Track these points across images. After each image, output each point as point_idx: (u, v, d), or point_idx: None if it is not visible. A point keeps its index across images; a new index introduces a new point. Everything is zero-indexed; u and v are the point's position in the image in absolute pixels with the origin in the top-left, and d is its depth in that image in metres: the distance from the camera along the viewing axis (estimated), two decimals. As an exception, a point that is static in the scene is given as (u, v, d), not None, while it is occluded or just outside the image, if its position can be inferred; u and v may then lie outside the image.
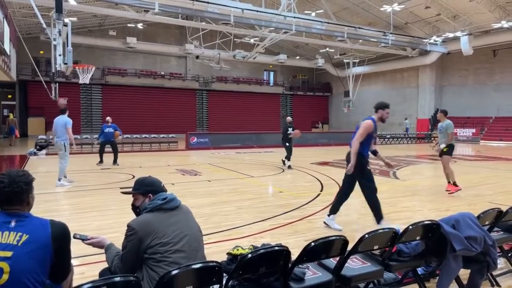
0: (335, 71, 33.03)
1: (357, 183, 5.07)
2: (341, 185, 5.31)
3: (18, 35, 17.88)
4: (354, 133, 5.09)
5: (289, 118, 12.31)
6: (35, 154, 15.26)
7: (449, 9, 23.30)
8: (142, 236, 2.09)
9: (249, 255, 2.11)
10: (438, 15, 23.76)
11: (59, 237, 1.88)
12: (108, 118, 12.92)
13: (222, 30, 23.79)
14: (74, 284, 2.21)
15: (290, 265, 2.32)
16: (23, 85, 27.51)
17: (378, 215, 4.99)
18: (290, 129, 11.68)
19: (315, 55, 33.34)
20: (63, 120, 8.50)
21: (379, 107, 5.08)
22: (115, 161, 12.10)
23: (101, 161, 12.16)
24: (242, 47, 27.92)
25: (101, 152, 12.36)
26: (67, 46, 11.12)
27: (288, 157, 11.67)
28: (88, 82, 17.68)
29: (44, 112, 27.15)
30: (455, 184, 7.40)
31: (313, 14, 24.01)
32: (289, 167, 11.46)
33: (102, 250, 2.38)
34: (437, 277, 2.91)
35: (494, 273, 3.26)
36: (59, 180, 8.39)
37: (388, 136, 26.52)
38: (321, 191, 7.87)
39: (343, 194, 5.11)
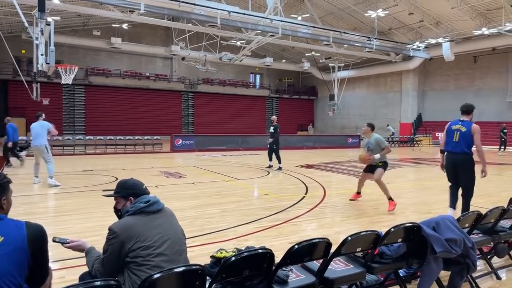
0: (320, 74, 33.34)
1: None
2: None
3: (-2, 33, 17.47)
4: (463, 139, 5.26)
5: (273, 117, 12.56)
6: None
7: (432, 16, 23.83)
8: (124, 240, 2.05)
9: (233, 258, 2.10)
10: (421, 22, 24.27)
11: (36, 239, 1.83)
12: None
13: (209, 32, 23.74)
14: (53, 288, 2.16)
15: (273, 267, 2.32)
16: (4, 85, 26.86)
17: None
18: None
19: (301, 58, 33.60)
20: (41, 124, 8.65)
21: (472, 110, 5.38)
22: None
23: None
24: (228, 49, 27.92)
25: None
26: (50, 46, 10.92)
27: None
28: (70, 83, 17.37)
29: (25, 113, 26.55)
30: (391, 199, 6.40)
31: (299, 18, 24.21)
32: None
33: (83, 254, 2.33)
34: (418, 279, 2.95)
35: (474, 274, 3.33)
36: (51, 178, 8.44)
37: (372, 140, 26.82)
38: (306, 193, 7.91)
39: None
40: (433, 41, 25.71)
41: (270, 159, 12.05)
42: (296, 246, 2.34)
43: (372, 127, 6.81)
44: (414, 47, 26.68)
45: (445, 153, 5.66)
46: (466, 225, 3.33)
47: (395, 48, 26.62)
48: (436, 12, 23.24)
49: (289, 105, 39.10)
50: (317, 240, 2.44)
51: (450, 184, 5.65)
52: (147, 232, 2.10)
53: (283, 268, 2.43)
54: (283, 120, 38.90)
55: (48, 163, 8.57)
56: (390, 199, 6.38)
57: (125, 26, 26.92)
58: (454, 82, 29.43)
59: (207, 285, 2.06)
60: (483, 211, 3.46)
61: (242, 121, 35.01)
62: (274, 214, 6.00)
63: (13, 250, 1.74)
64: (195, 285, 1.98)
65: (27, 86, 17.66)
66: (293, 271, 2.56)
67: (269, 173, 11.24)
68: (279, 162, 11.81)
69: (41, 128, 8.64)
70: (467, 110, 5.43)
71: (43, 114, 8.96)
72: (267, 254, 2.24)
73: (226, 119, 34.04)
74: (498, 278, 3.57)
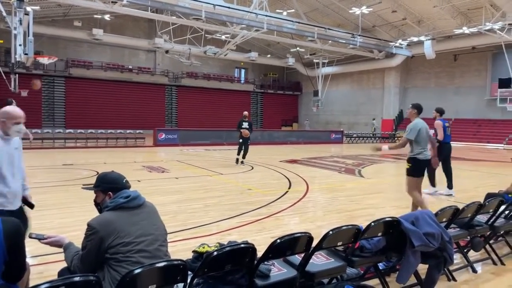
0: (305, 70, 33.47)
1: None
2: None
3: (-26, 22, 16.86)
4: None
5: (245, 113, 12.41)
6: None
7: (414, 14, 24.19)
8: (103, 236, 2.01)
9: (215, 253, 2.10)
10: (404, 19, 24.60)
11: (12, 234, 1.79)
12: None
13: (193, 26, 23.47)
14: (31, 283, 2.12)
15: (255, 262, 2.33)
16: (-21, 75, 25.98)
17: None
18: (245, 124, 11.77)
19: (286, 54, 33.62)
20: None
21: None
22: None
23: None
24: (213, 43, 27.69)
25: None
26: (28, 36, 10.62)
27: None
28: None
29: (2, 105, 25.74)
30: None
31: (285, 13, 24.21)
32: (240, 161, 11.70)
33: (61, 249, 2.29)
34: (397, 272, 3.02)
35: (451, 268, 3.42)
36: None
37: (354, 135, 27.21)
38: (289, 188, 7.97)
39: None
40: (415, 39, 26.11)
41: (239, 153, 11.75)
42: (278, 241, 2.36)
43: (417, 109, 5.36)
44: (397, 44, 27.06)
45: (445, 144, 7.30)
46: (444, 220, 3.42)
47: (378, 45, 26.93)
48: (418, 10, 23.60)
49: (274, 100, 39.13)
50: (299, 234, 2.46)
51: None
52: (127, 228, 2.07)
53: (265, 262, 2.44)
54: (267, 115, 39.04)
55: None
56: None
57: (107, 17, 26.33)
58: (435, 79, 30.01)
59: (188, 280, 2.06)
60: (460, 206, 3.55)
61: (226, 116, 34.81)
62: (257, 208, 6.02)
63: (-12, 245, 1.70)
64: (176, 280, 1.97)
65: (4, 77, 17.14)
66: (275, 265, 2.58)
67: (252, 168, 11.26)
68: (244, 157, 11.76)
69: None
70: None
71: (14, 101, 8.72)
72: (249, 249, 2.25)
73: (210, 113, 33.82)
74: (474, 271, 3.69)
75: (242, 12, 19.99)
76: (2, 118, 2.75)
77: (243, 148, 11.66)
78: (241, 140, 11.68)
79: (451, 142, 7.65)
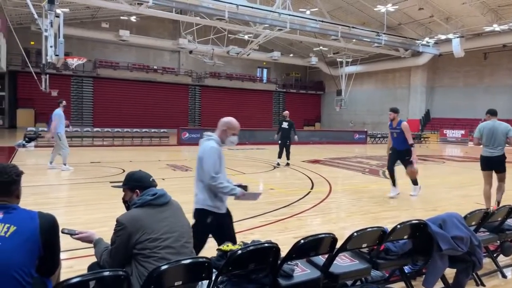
0: (328, 69, 33.12)
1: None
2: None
3: (8, 24, 17.61)
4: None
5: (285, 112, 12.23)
6: (23, 146, 15.06)
7: (442, 11, 23.50)
8: (131, 232, 2.08)
9: (239, 252, 2.12)
10: (431, 17, 23.96)
11: (48, 229, 1.86)
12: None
13: (216, 26, 23.67)
14: (62, 278, 2.20)
15: (279, 261, 2.33)
16: (13, 76, 27.11)
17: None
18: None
19: (308, 53, 33.39)
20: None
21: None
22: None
23: None
24: (236, 43, 27.84)
25: None
26: (59, 38, 10.99)
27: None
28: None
29: (34, 104, 26.82)
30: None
31: (308, 12, 24.02)
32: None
33: (91, 245, 2.37)
34: (423, 276, 2.95)
35: (479, 272, 3.32)
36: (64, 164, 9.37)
37: (379, 136, 26.72)
38: (312, 189, 7.92)
39: None
40: (443, 37, 25.37)
41: (280, 156, 11.48)
42: (302, 241, 2.36)
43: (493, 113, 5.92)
44: (424, 42, 26.35)
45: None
46: (473, 223, 3.32)
47: (404, 43, 26.33)
48: (446, 7, 22.92)
49: (296, 99, 38.96)
50: (323, 235, 2.45)
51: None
52: (154, 224, 2.12)
53: (289, 262, 2.45)
54: (290, 115, 38.80)
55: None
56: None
57: (133, 18, 26.94)
58: (464, 79, 29.09)
59: (213, 278, 2.08)
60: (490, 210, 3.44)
61: (248, 116, 34.93)
62: (279, 208, 6.01)
63: (25, 240, 1.77)
64: (201, 277, 2.01)
65: (36, 78, 17.82)
66: (298, 266, 2.57)
67: (275, 167, 11.24)
68: (288, 158, 11.57)
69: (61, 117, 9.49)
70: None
71: (64, 101, 9.82)
72: (273, 248, 2.26)
73: (232, 113, 33.33)
74: (504, 276, 3.56)
75: (265, 11, 19.99)
76: (224, 127, 2.96)
77: (283, 149, 11.33)
78: (280, 142, 11.41)
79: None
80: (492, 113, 5.81)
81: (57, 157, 9.71)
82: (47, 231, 1.85)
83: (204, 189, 3.01)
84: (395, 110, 7.22)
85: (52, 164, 9.55)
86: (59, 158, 9.67)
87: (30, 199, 6.05)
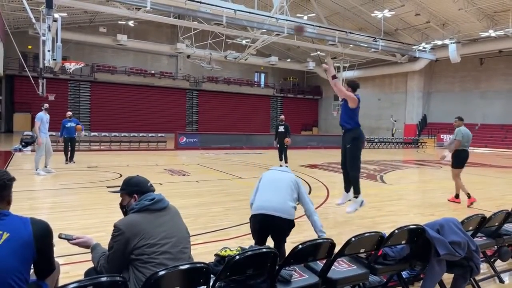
0: (325, 74, 33.20)
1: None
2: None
3: (6, 28, 17.57)
4: None
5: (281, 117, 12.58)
6: (20, 150, 14.99)
7: (439, 17, 23.70)
8: (129, 237, 2.07)
9: (237, 257, 2.11)
10: (428, 23, 24.15)
11: (41, 235, 1.85)
12: (68, 112, 12.65)
13: (214, 31, 23.75)
14: (60, 283, 2.19)
15: (277, 267, 2.33)
16: (10, 80, 27.02)
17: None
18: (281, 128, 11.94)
19: (306, 58, 33.54)
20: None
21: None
22: (71, 158, 11.87)
23: (70, 159, 11.86)
24: (233, 48, 27.92)
25: (66, 150, 11.92)
26: (57, 42, 10.99)
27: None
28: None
29: (30, 108, 26.71)
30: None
31: (305, 17, 24.16)
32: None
33: (88, 250, 2.35)
34: (421, 281, 2.95)
35: (477, 278, 3.32)
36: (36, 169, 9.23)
37: (376, 141, 26.79)
38: (309, 193, 7.91)
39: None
40: (439, 42, 25.58)
41: (281, 159, 11.99)
42: (300, 246, 2.35)
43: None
44: (420, 48, 26.56)
45: None
46: (470, 228, 3.33)
47: (401, 49, 26.50)
48: (443, 13, 23.11)
49: (294, 104, 39.05)
50: (321, 240, 2.45)
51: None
52: (152, 230, 2.11)
53: (287, 268, 2.44)
54: (287, 120, 38.86)
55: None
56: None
57: (131, 23, 27.00)
58: (460, 84, 29.27)
59: (211, 283, 2.07)
60: (488, 215, 3.45)
61: (246, 120, 35.02)
62: (277, 213, 5.99)
63: (19, 246, 1.76)
64: (199, 283, 2.00)
65: (33, 82, 17.78)
66: (296, 271, 2.57)
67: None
68: (286, 162, 11.81)
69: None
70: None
71: (47, 105, 9.84)
72: (271, 254, 2.25)
73: (230, 117, 34.06)
74: (501, 281, 3.57)
75: (262, 16, 20.09)
76: None
77: (282, 153, 11.90)
78: (278, 146, 11.94)
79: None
80: (462, 119, 7.27)
81: (50, 159, 9.68)
82: (40, 237, 1.84)
83: None
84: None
85: (47, 168, 9.52)
86: (53, 161, 9.67)
87: (26, 204, 6.02)
